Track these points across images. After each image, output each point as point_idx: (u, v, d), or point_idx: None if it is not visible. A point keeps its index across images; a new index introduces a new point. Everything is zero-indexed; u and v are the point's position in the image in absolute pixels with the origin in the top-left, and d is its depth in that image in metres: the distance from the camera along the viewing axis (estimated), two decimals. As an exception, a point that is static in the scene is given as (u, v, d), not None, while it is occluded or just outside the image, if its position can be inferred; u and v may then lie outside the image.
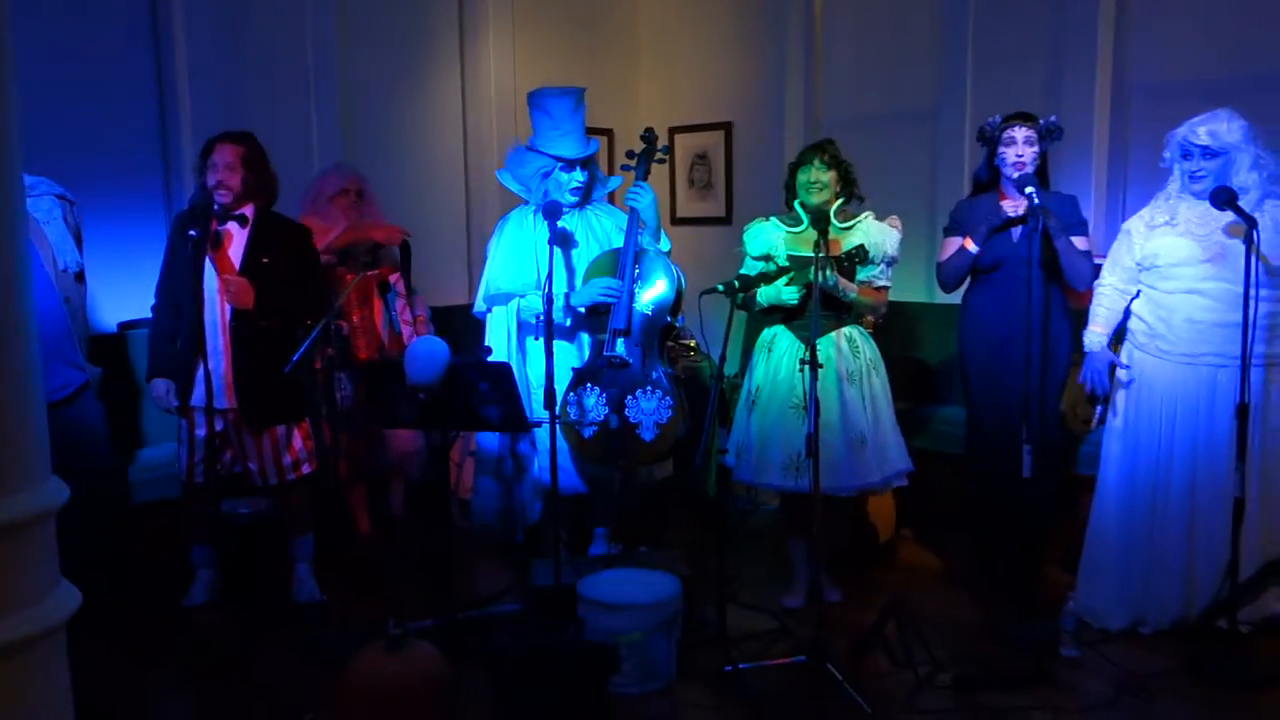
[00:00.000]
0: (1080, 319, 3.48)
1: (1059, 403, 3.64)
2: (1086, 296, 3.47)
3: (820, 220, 3.42)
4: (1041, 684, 3.01)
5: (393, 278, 3.92)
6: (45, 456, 1.40)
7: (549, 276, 3.30)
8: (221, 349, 3.47)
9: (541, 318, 3.32)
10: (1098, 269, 3.46)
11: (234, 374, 3.47)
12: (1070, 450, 3.88)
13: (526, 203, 3.78)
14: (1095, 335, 3.38)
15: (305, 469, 3.66)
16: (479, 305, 3.79)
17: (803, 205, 3.52)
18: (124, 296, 4.09)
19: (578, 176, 3.66)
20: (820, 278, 3.14)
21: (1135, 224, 3.33)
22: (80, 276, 3.38)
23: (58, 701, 1.35)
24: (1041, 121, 3.43)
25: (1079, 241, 3.45)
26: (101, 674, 3.19)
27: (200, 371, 3.32)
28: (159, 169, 4.36)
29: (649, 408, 3.50)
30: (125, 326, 4.13)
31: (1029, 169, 3.38)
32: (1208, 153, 3.12)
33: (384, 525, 4.37)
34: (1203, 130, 3.12)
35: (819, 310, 3.10)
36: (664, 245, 3.70)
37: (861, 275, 3.50)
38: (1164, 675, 3.05)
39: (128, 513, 3.63)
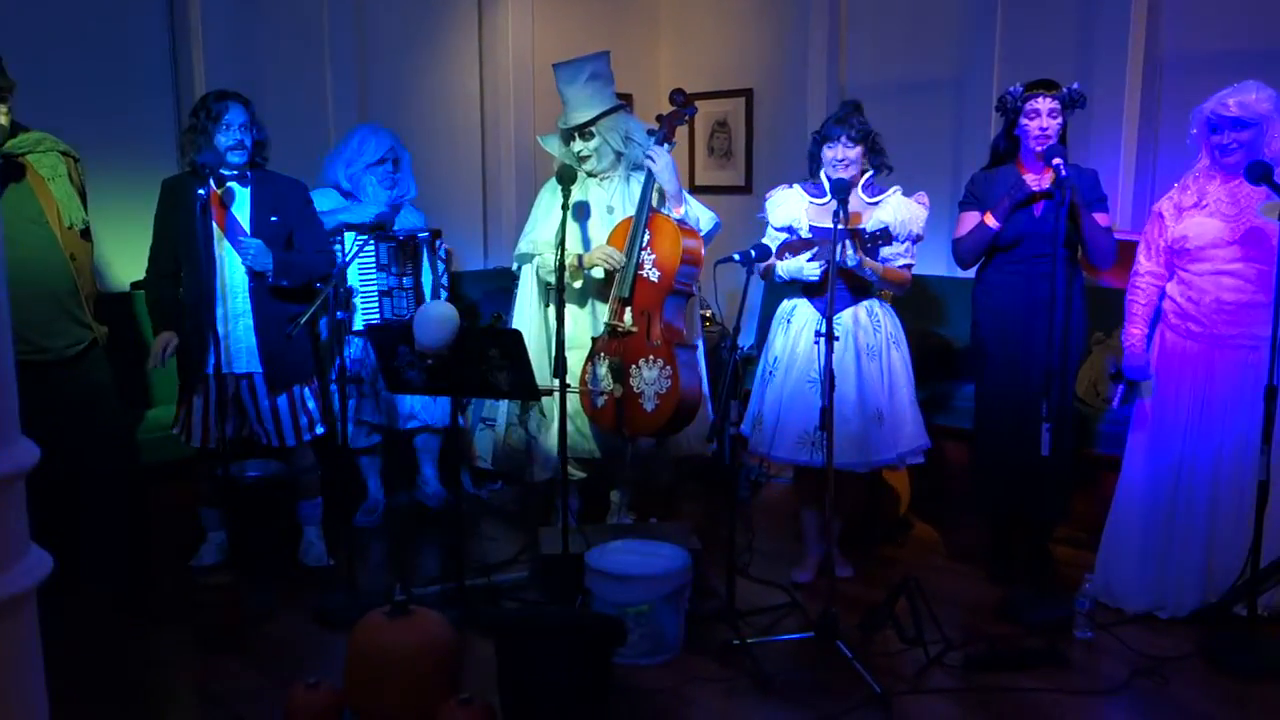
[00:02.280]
0: (1096, 296, 3.39)
1: (1075, 381, 3.56)
2: (1105, 273, 3.39)
3: (842, 191, 3.33)
4: (1053, 665, 2.97)
5: (438, 240, 3.89)
6: (13, 416, 1.32)
7: (561, 243, 3.25)
8: (240, 312, 3.45)
9: (554, 282, 3.28)
10: (1119, 245, 3.37)
11: (257, 337, 3.44)
12: (1088, 429, 3.81)
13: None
14: (1136, 337, 3.28)
15: (318, 429, 3.66)
16: (513, 264, 3.89)
17: (828, 178, 3.44)
18: (133, 255, 4.06)
19: (576, 145, 3.65)
20: (841, 255, 3.07)
21: (1165, 205, 3.23)
22: (86, 233, 3.35)
23: (26, 672, 1.28)
24: (1064, 90, 3.32)
25: (1100, 218, 3.36)
26: (109, 633, 3.21)
27: (210, 336, 3.29)
28: (172, 128, 4.31)
29: (650, 377, 3.46)
30: (136, 286, 4.11)
31: (1053, 140, 3.29)
32: (1238, 124, 3.02)
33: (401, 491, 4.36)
34: (1232, 102, 3.02)
35: (835, 283, 3.03)
36: (683, 212, 3.63)
37: (885, 253, 3.42)
38: (1178, 660, 3.00)
39: (138, 472, 3.63)
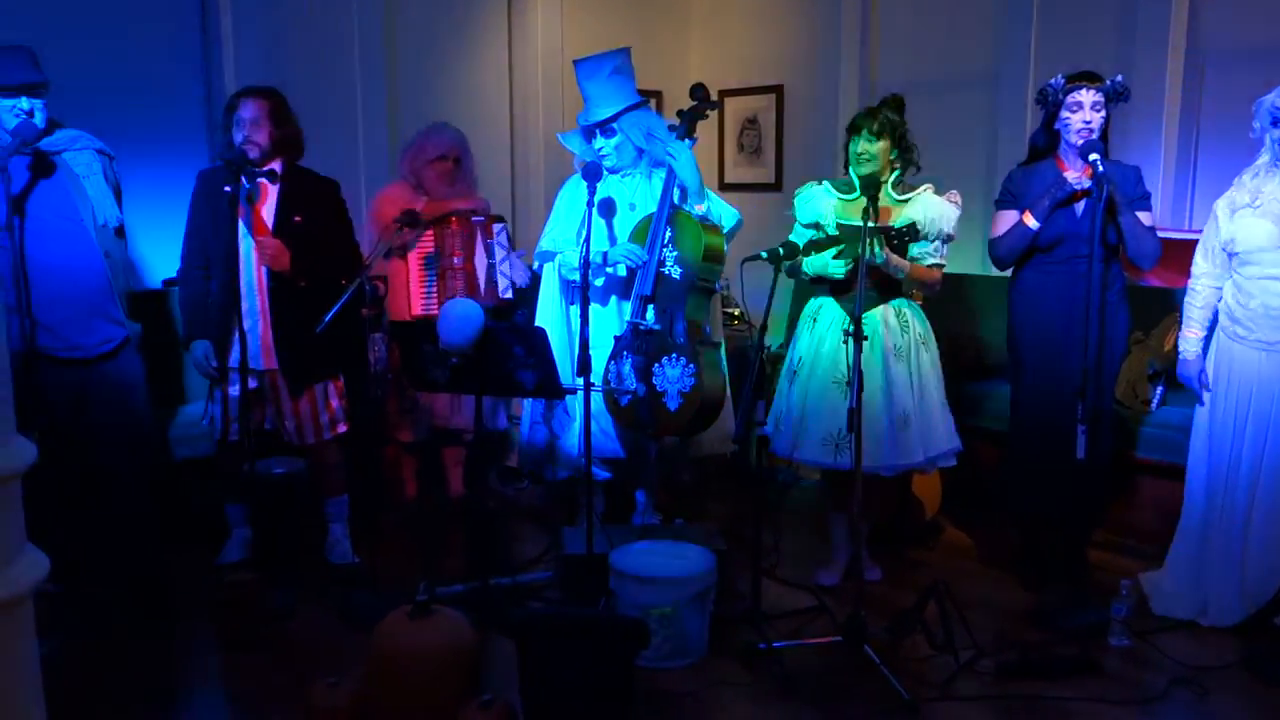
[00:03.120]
0: (1158, 298, 3.29)
1: (1114, 384, 3.47)
2: (1148, 273, 3.29)
3: (871, 187, 3.27)
4: (1088, 673, 2.89)
5: (496, 227, 3.85)
6: (9, 416, 1.29)
7: (585, 240, 3.21)
8: (259, 310, 3.46)
9: (578, 281, 3.25)
10: (1168, 245, 3.27)
11: (274, 335, 3.45)
12: (1129, 433, 3.71)
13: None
14: (1191, 342, 3.19)
15: (341, 428, 3.65)
16: (533, 262, 3.86)
17: (854, 172, 3.39)
18: (167, 253, 4.08)
19: (598, 142, 3.61)
20: (868, 252, 3.01)
21: (1221, 205, 3.12)
22: (120, 231, 3.36)
23: (22, 673, 1.26)
24: (1108, 82, 3.22)
25: (1144, 217, 3.25)
26: (133, 630, 3.22)
27: (235, 332, 3.29)
28: (202, 126, 4.35)
29: (674, 375, 3.41)
30: (169, 283, 4.13)
31: (1096, 135, 3.20)
32: None
33: (430, 491, 4.35)
34: None
35: (864, 282, 2.96)
36: (706, 208, 3.58)
37: (913, 251, 3.36)
38: (1219, 670, 2.91)
39: (168, 468, 3.65)
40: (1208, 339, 3.20)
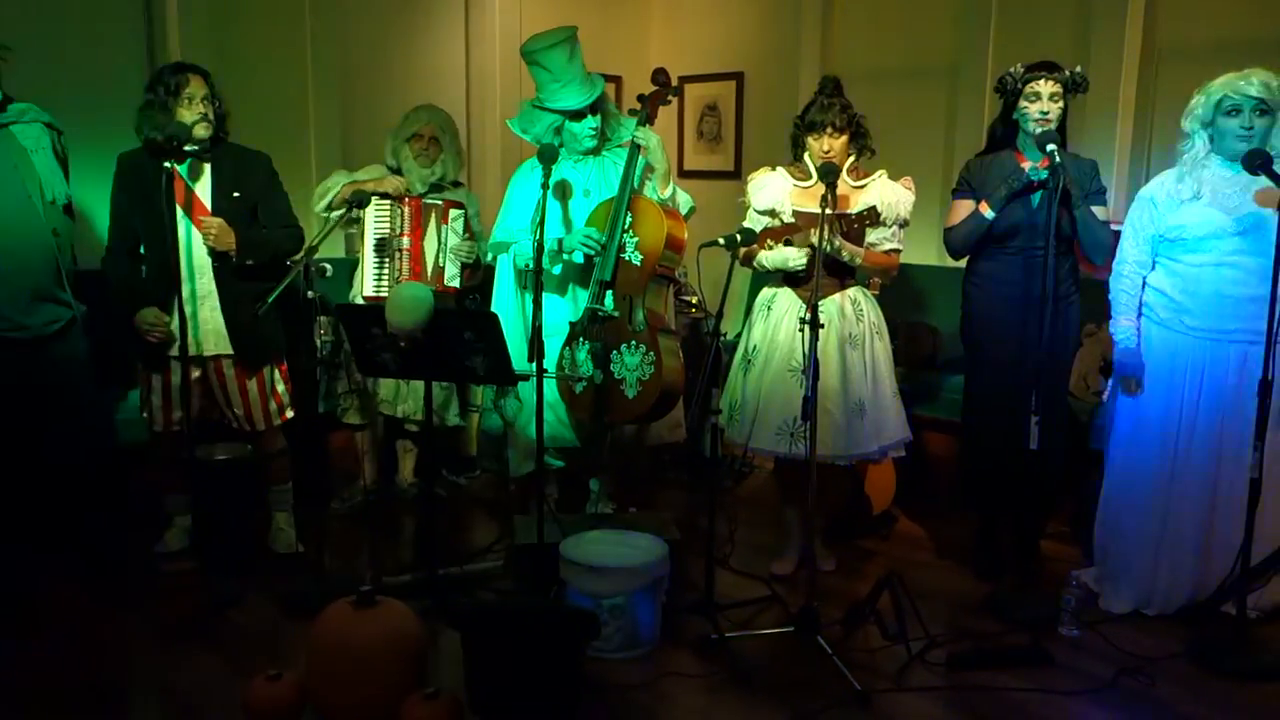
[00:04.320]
0: (1090, 287, 3.30)
1: (1067, 376, 3.47)
2: (1101, 268, 3.29)
3: (829, 174, 3.23)
4: (1039, 663, 2.90)
5: (452, 213, 3.76)
6: None
7: (540, 224, 3.15)
8: (205, 293, 3.35)
9: (531, 266, 3.18)
10: (1117, 237, 3.28)
11: (224, 318, 3.34)
12: (1081, 423, 3.73)
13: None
14: (1126, 329, 3.18)
15: (287, 414, 3.56)
16: (484, 254, 3.81)
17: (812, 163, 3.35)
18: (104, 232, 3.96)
19: (590, 123, 3.52)
20: (823, 242, 2.98)
21: (1157, 193, 3.12)
22: (69, 209, 3.26)
23: None
24: (1067, 73, 3.22)
25: (1098, 211, 3.26)
26: (73, 618, 3.12)
27: (175, 317, 3.19)
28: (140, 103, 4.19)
29: (633, 363, 3.37)
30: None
31: (1052, 126, 3.19)
32: (1261, 107, 2.92)
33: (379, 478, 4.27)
34: (1257, 81, 2.90)
35: (821, 270, 2.94)
36: (670, 193, 3.54)
37: (872, 237, 3.34)
38: (1166, 660, 2.93)
39: (113, 452, 3.53)
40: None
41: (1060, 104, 3.21)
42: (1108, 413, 3.32)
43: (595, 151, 3.61)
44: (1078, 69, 3.24)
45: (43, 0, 3.92)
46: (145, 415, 3.47)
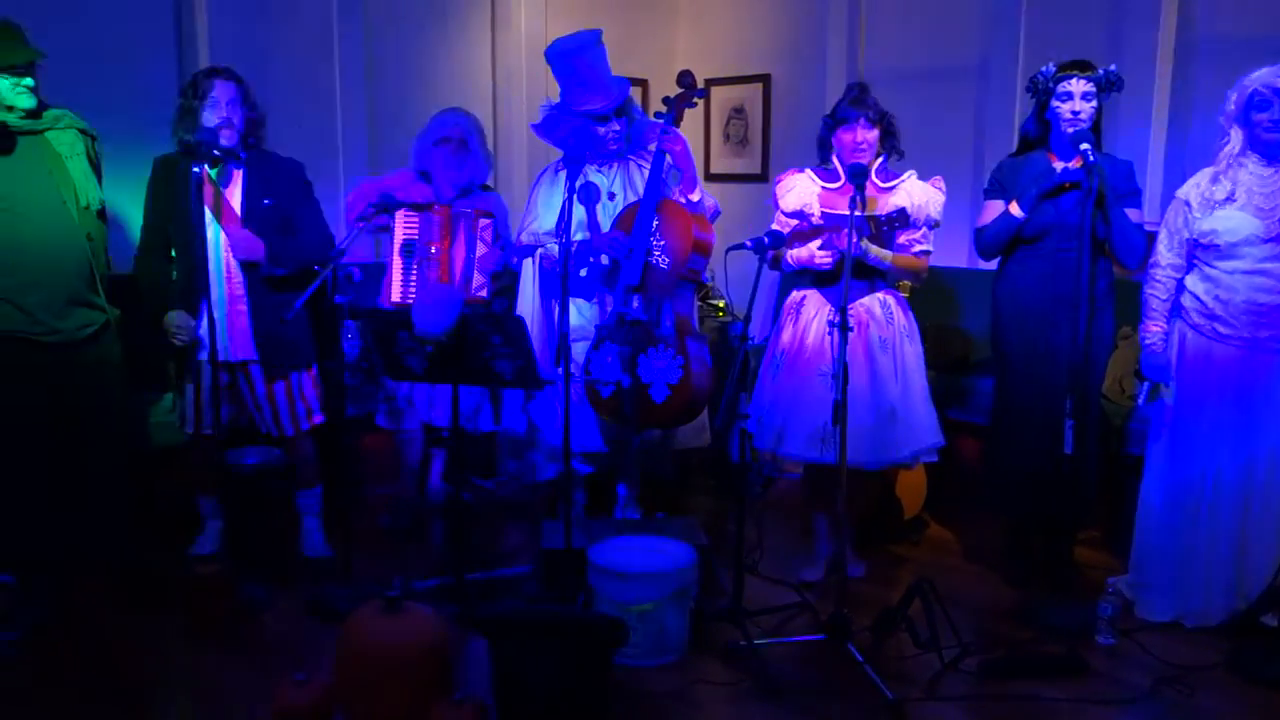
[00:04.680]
0: (1125, 290, 3.24)
1: (1101, 379, 3.41)
2: (1134, 271, 3.23)
3: (858, 176, 3.20)
4: (1074, 672, 2.85)
5: (482, 223, 3.74)
6: None
7: (566, 228, 3.14)
8: (229, 298, 3.36)
9: (559, 269, 3.17)
10: (1152, 240, 3.22)
11: (250, 324, 3.36)
12: (1118, 428, 3.66)
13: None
14: (1156, 334, 3.11)
15: (316, 419, 3.57)
16: (510, 258, 3.77)
17: (843, 160, 3.32)
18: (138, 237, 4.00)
19: (615, 127, 3.52)
20: (851, 243, 2.94)
21: (1192, 194, 3.05)
22: (102, 214, 3.29)
23: None
24: (1100, 71, 3.17)
25: (1132, 214, 3.19)
26: (103, 620, 3.14)
27: (205, 322, 3.21)
28: (176, 107, 4.23)
29: (660, 367, 3.35)
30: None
31: (1085, 125, 3.14)
32: None
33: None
34: None
35: (850, 272, 2.90)
36: (698, 197, 3.52)
37: (901, 239, 3.30)
38: (1205, 670, 2.87)
39: (147, 454, 3.55)
40: (1169, 330, 3.15)
41: (1093, 103, 3.16)
42: (1145, 417, 3.26)
43: (620, 156, 3.59)
44: (1112, 68, 3.18)
45: (75, 6, 3.95)
46: (178, 418, 3.50)
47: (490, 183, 4.13)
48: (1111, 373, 3.72)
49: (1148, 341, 3.13)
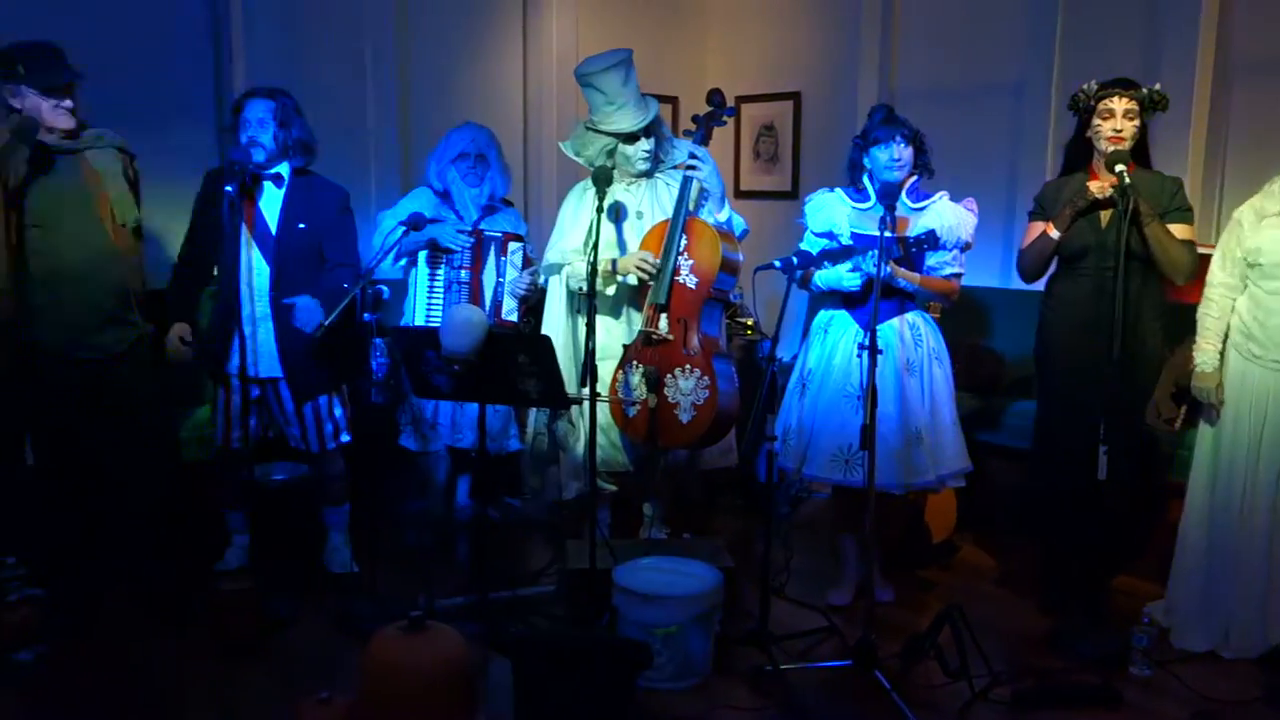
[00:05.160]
0: (1184, 315, 3.17)
1: (1143, 403, 3.34)
2: (1191, 290, 3.16)
3: (889, 196, 3.18)
4: (1108, 704, 2.78)
5: (512, 246, 3.74)
6: None
7: (594, 246, 3.13)
8: (262, 316, 3.39)
9: (585, 289, 3.17)
10: (1204, 261, 3.15)
11: (277, 344, 3.38)
12: (1161, 454, 3.57)
13: None
14: (1208, 354, 3.05)
15: (344, 437, 3.58)
16: (540, 276, 3.75)
17: (874, 181, 3.29)
18: (175, 253, 4.04)
19: (643, 147, 3.50)
20: (880, 265, 2.91)
21: (1246, 213, 3.00)
22: (138, 232, 3.33)
23: None
24: (1144, 90, 3.12)
25: (1180, 230, 3.12)
26: (130, 634, 3.17)
27: (235, 337, 3.23)
28: (212, 125, 4.29)
29: (687, 388, 3.33)
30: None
31: (1126, 145, 3.09)
32: None
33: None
34: None
35: (879, 293, 2.87)
36: (726, 216, 3.50)
37: (931, 260, 3.26)
38: (1244, 704, 2.80)
39: (178, 469, 3.59)
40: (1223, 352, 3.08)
41: (1135, 122, 3.11)
42: (1189, 441, 3.19)
43: (648, 174, 3.59)
44: (1156, 87, 3.13)
45: (113, 27, 4.01)
46: (210, 433, 3.53)
47: (511, 196, 4.11)
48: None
49: (1198, 361, 3.07)
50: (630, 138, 3.49)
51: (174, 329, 3.41)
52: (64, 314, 3.13)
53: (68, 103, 3.10)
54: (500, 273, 3.74)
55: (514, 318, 3.77)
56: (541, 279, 3.74)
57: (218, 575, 3.51)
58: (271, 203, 3.39)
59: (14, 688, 2.83)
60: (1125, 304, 3.03)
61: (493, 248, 3.73)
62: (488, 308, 3.72)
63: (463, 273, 3.67)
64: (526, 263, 3.83)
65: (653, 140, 3.52)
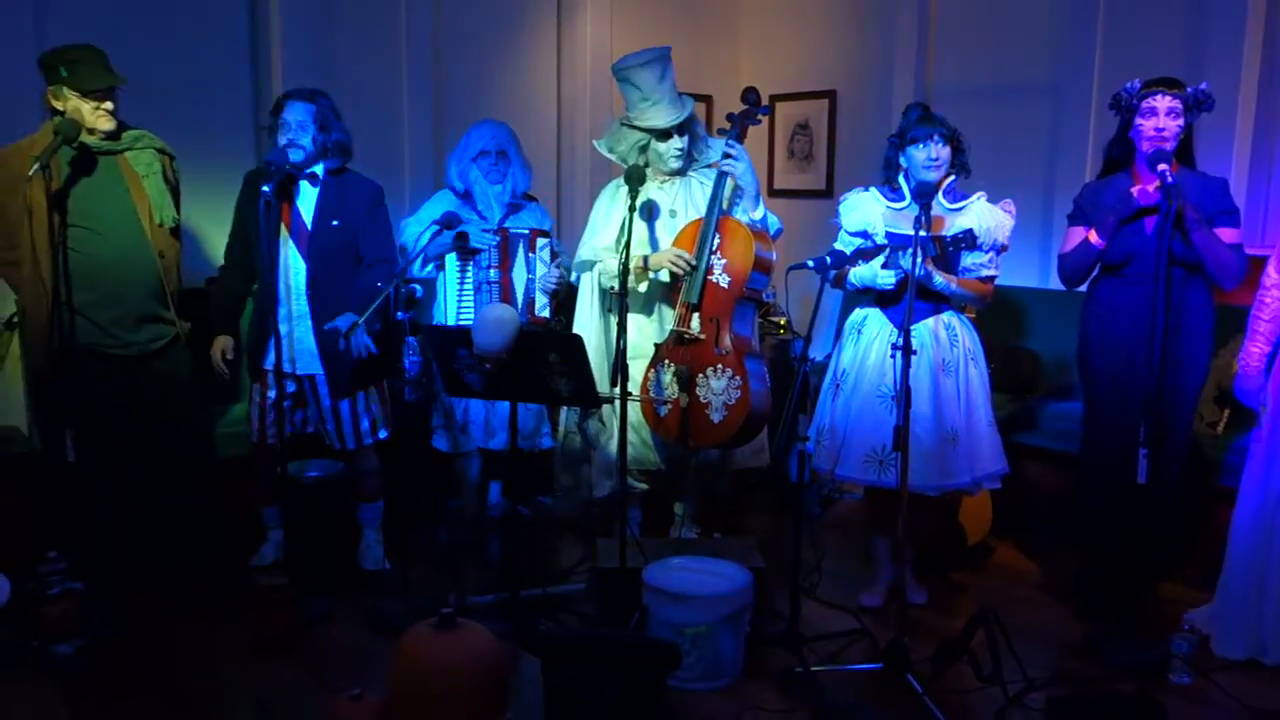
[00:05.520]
0: (1228, 317, 3.11)
1: (1190, 408, 3.27)
2: (1241, 294, 3.09)
3: (924, 195, 3.14)
4: (1145, 713, 2.73)
5: (540, 242, 3.75)
6: None
7: (626, 244, 3.13)
8: (298, 314, 3.42)
9: (617, 288, 3.17)
10: (1253, 263, 3.08)
11: (316, 341, 3.41)
12: (1209, 458, 3.51)
13: None
14: (1253, 357, 2.99)
15: (382, 434, 3.61)
16: (569, 272, 3.77)
17: (910, 180, 3.26)
18: (214, 253, 4.09)
19: (676, 144, 3.49)
20: (915, 265, 2.88)
21: None
22: (176, 232, 3.39)
23: None
24: (1189, 90, 3.06)
25: (1227, 233, 3.06)
26: (168, 629, 3.21)
27: (272, 334, 3.27)
28: (250, 125, 4.34)
29: (719, 387, 3.31)
30: (210, 282, 4.13)
31: (1168, 145, 3.03)
32: None
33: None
34: None
35: (914, 293, 2.84)
36: (761, 214, 3.49)
37: (966, 262, 3.22)
38: (1287, 713, 2.74)
39: (214, 465, 3.64)
40: (1273, 355, 3.02)
41: (1179, 121, 3.05)
42: (1240, 447, 3.12)
43: (681, 172, 3.58)
44: (1203, 86, 3.07)
45: (154, 32, 4.08)
46: (247, 429, 3.57)
47: (535, 191, 4.10)
48: (1192, 400, 3.59)
49: (1243, 363, 3.02)
50: (664, 135, 3.48)
51: (217, 343, 3.49)
52: (102, 312, 3.19)
53: (109, 105, 3.15)
54: (530, 269, 3.74)
55: (547, 313, 3.77)
56: (573, 275, 3.74)
57: (253, 570, 3.56)
58: (307, 201, 3.43)
59: (54, 680, 2.88)
60: (1168, 308, 2.97)
61: (521, 245, 3.73)
62: (520, 306, 3.72)
63: (492, 272, 3.68)
64: (553, 257, 3.83)
65: (686, 138, 3.51)
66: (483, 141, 3.76)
